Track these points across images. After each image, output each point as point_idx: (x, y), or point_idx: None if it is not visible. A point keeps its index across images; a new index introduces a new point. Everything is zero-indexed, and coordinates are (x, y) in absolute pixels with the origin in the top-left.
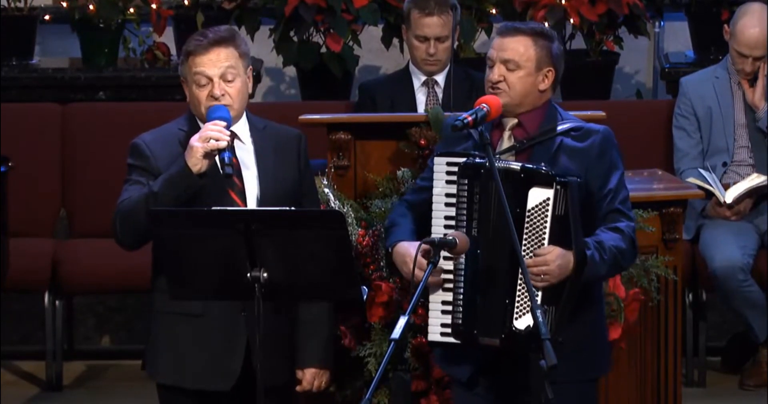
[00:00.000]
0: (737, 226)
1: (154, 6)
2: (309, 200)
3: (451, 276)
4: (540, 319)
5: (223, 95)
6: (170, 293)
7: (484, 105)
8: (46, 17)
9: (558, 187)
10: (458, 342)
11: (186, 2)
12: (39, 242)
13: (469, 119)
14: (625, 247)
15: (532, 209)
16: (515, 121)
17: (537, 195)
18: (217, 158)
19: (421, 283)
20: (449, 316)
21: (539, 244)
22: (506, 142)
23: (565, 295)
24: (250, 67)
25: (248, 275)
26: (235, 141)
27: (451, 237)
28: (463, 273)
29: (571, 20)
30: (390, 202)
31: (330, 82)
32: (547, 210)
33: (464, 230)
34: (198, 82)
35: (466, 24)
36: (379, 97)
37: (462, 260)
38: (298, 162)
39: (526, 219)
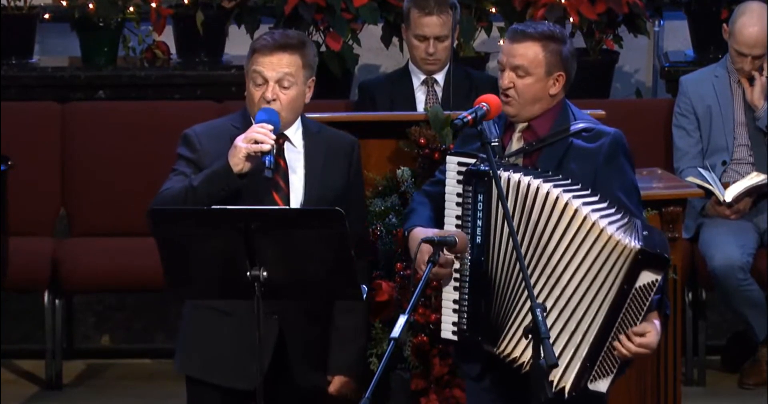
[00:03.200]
0: (737, 225)
1: (153, 5)
2: (355, 208)
3: (458, 275)
4: (539, 318)
5: (274, 100)
6: (170, 292)
7: (484, 104)
8: (46, 16)
9: (666, 269)
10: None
11: (185, 1)
12: (39, 241)
13: (469, 117)
14: None
15: (640, 288)
16: (526, 124)
17: (647, 277)
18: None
19: (421, 282)
20: (458, 317)
21: (636, 319)
22: (515, 144)
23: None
24: (312, 78)
25: (248, 274)
26: (286, 144)
27: (450, 236)
28: (468, 279)
29: (571, 19)
30: (390, 201)
31: (330, 81)
32: (652, 291)
33: (468, 235)
34: (254, 80)
35: (466, 23)
36: (378, 97)
37: (467, 265)
38: (348, 169)
39: (630, 296)
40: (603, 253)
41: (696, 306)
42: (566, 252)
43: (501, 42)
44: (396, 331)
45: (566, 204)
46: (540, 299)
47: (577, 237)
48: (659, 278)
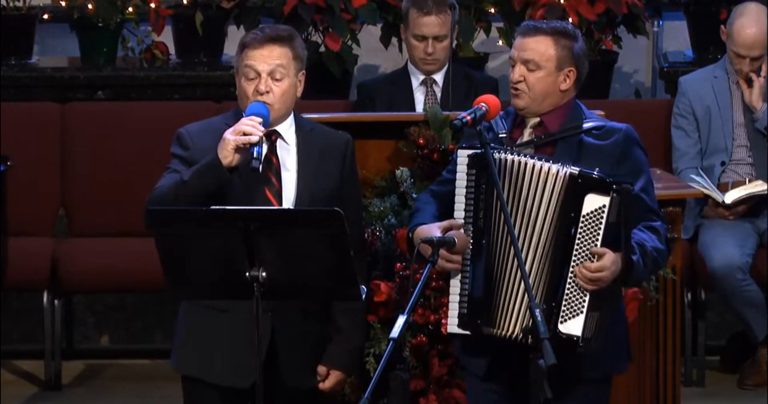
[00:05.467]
0: (736, 225)
1: (152, 5)
2: (350, 207)
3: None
4: (539, 318)
5: (267, 92)
6: (170, 292)
7: (483, 104)
8: (45, 16)
9: (614, 194)
10: (467, 333)
11: (185, 1)
12: (38, 241)
13: (468, 118)
14: (663, 248)
15: (587, 215)
16: (537, 120)
17: (593, 202)
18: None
19: (420, 282)
20: (459, 305)
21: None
22: (526, 139)
23: (608, 300)
24: (303, 71)
25: (247, 274)
26: (279, 141)
27: (450, 237)
28: (470, 263)
29: (570, 19)
30: (389, 201)
31: (329, 81)
32: (602, 217)
33: (471, 219)
34: (246, 75)
35: (465, 23)
36: (377, 97)
37: (469, 249)
38: (342, 167)
39: (580, 225)
40: (541, 187)
41: (695, 307)
42: (531, 208)
43: (500, 42)
44: (395, 331)
45: (540, 168)
46: (527, 266)
47: (533, 187)
48: (606, 203)
